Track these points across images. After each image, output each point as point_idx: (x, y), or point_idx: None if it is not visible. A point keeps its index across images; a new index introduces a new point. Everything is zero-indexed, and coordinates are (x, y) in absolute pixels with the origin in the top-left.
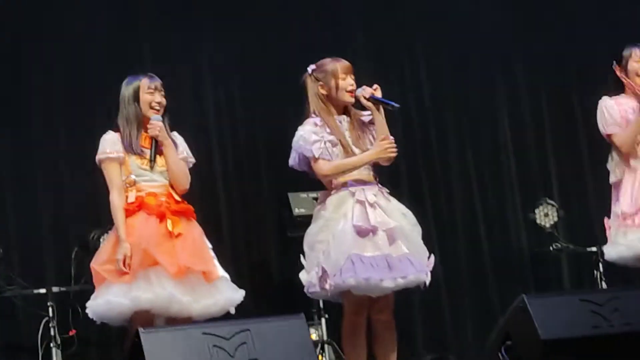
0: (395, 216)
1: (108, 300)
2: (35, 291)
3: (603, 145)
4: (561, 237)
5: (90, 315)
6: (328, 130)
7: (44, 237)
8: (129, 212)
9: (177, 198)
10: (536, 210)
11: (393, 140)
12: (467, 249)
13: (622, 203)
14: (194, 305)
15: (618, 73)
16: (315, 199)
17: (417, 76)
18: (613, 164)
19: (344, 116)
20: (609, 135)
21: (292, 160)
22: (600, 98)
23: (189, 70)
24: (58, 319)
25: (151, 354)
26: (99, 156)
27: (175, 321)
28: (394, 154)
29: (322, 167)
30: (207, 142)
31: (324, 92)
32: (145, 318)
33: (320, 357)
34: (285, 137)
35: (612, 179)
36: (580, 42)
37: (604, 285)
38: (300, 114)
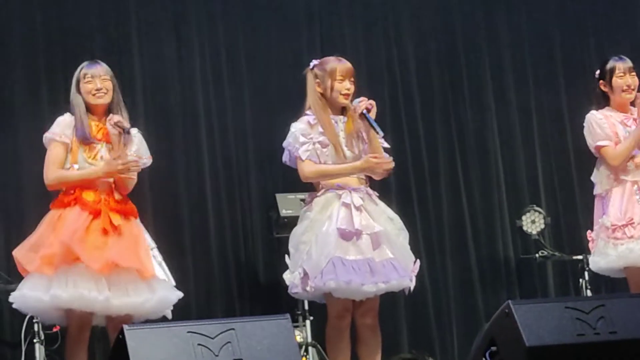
0: (381, 220)
1: (23, 294)
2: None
3: (591, 153)
4: (547, 244)
5: (17, 309)
6: (320, 129)
7: (30, 231)
8: (63, 204)
9: (117, 197)
10: (523, 217)
11: (388, 158)
12: (453, 254)
13: (610, 215)
14: (113, 302)
15: (604, 89)
16: (303, 200)
17: (407, 82)
18: (599, 176)
19: (341, 116)
20: (598, 148)
21: (285, 157)
22: (587, 110)
23: (179, 70)
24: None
25: (135, 351)
26: (46, 134)
27: (114, 320)
28: (388, 169)
29: (304, 169)
30: (196, 142)
31: (320, 90)
32: (79, 316)
33: (304, 359)
34: (274, 138)
35: (597, 190)
36: (571, 50)
37: (590, 294)
38: (289, 115)
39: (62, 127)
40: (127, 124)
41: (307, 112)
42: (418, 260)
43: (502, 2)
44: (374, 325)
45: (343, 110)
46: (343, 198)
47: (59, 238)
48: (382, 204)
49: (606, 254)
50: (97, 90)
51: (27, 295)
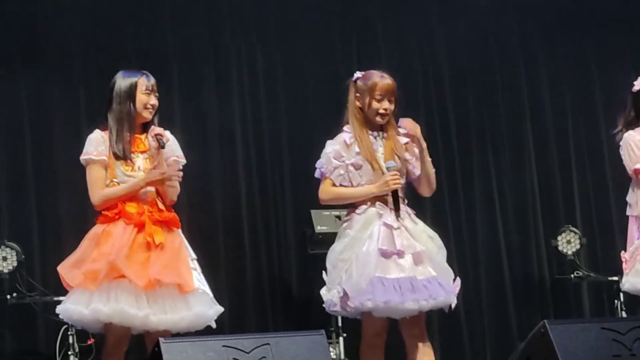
0: (421, 239)
1: (66, 308)
2: (56, 298)
3: (627, 174)
4: (583, 265)
5: (64, 319)
6: (357, 149)
7: (66, 243)
8: (108, 219)
9: (161, 206)
10: (559, 237)
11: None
12: (487, 273)
13: None
14: (152, 318)
15: None
16: (338, 217)
17: (442, 100)
18: (635, 197)
19: (380, 132)
20: (637, 172)
21: (317, 174)
22: (621, 130)
23: (216, 86)
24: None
25: None
26: (83, 157)
27: (152, 334)
28: (396, 187)
29: (322, 190)
30: (232, 157)
31: (359, 104)
32: (118, 329)
33: None
34: (309, 154)
35: (633, 212)
36: (608, 65)
37: (625, 315)
38: (325, 131)
39: (95, 145)
40: (165, 139)
41: (345, 128)
42: (458, 278)
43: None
44: (422, 336)
45: (383, 126)
46: (384, 218)
47: (105, 254)
48: (421, 223)
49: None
50: (151, 105)
51: (70, 309)
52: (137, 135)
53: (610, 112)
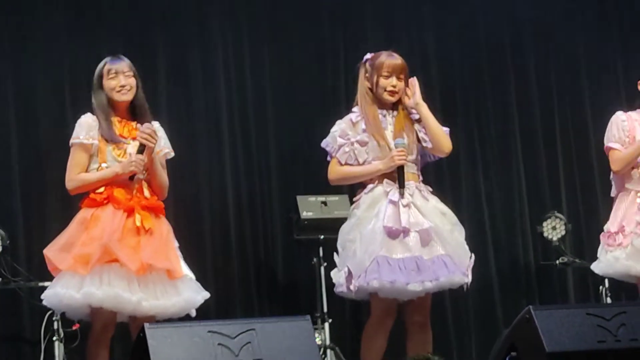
0: (432, 216)
1: (56, 292)
2: (41, 284)
3: None
4: (568, 251)
5: (48, 306)
6: (363, 126)
7: (51, 229)
8: (96, 203)
9: (147, 194)
10: (544, 224)
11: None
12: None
13: (611, 221)
14: (144, 304)
15: None
16: (324, 202)
17: (430, 86)
18: (614, 179)
19: (391, 111)
20: (607, 149)
21: (329, 157)
22: (611, 113)
23: (202, 71)
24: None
25: (156, 350)
26: (72, 140)
27: (138, 319)
28: (401, 162)
29: (331, 170)
30: (218, 143)
31: (368, 84)
32: (104, 315)
33: None
34: (295, 140)
35: (612, 193)
36: (596, 55)
37: (610, 301)
38: (311, 117)
39: (86, 129)
40: (151, 143)
41: (354, 108)
42: (473, 255)
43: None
44: (423, 323)
45: (394, 105)
46: (390, 195)
47: (96, 238)
48: (433, 199)
49: (600, 260)
50: (121, 86)
51: (60, 293)
52: (127, 122)
53: (596, 97)
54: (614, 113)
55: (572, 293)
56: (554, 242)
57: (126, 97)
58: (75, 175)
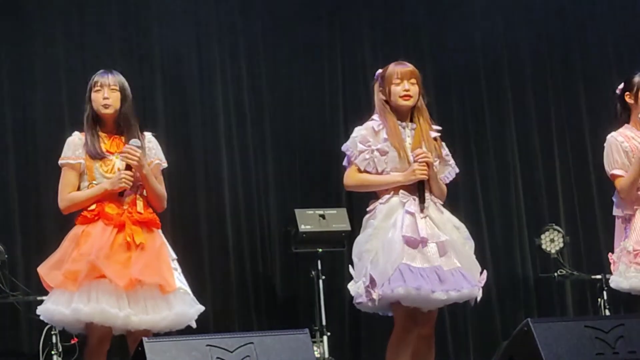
0: (446, 229)
1: (47, 308)
2: (39, 298)
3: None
4: (566, 263)
5: (45, 321)
6: (384, 135)
7: (49, 243)
8: (87, 220)
9: (140, 208)
10: (542, 236)
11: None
12: None
13: (632, 240)
14: (133, 319)
15: (629, 101)
16: (322, 216)
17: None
18: (620, 199)
19: (409, 123)
20: (613, 177)
21: (345, 162)
22: (610, 127)
23: (200, 84)
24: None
25: None
26: (60, 160)
27: (134, 333)
28: (422, 177)
29: (348, 176)
30: (216, 156)
31: (383, 97)
32: (100, 329)
33: None
34: (294, 154)
35: (619, 213)
36: (593, 68)
37: (608, 313)
38: (309, 131)
39: (72, 149)
40: (132, 160)
41: (374, 117)
42: (485, 271)
43: (523, 23)
44: (430, 336)
45: (412, 117)
46: (407, 206)
47: (85, 255)
48: (447, 212)
49: (628, 277)
50: (104, 98)
51: (50, 309)
52: (114, 136)
53: (593, 111)
54: (611, 125)
55: (571, 305)
56: (553, 254)
57: (107, 111)
58: (66, 194)
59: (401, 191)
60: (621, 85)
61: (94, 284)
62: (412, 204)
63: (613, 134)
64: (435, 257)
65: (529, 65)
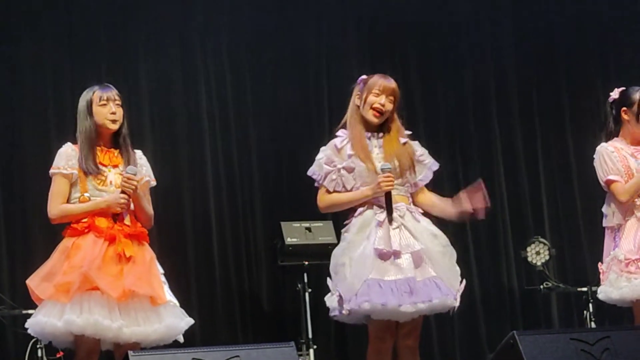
0: (423, 238)
1: (38, 320)
2: (25, 312)
3: (596, 185)
4: (552, 276)
5: (32, 334)
6: (349, 151)
7: (35, 256)
8: (77, 232)
9: (128, 222)
10: (528, 249)
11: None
12: None
13: (624, 249)
14: (125, 330)
15: (625, 117)
16: (308, 228)
17: (412, 110)
18: (610, 209)
19: (376, 133)
20: (608, 183)
21: (316, 183)
22: (594, 140)
23: (185, 95)
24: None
25: None
26: (52, 170)
27: (122, 347)
28: (387, 188)
29: (319, 198)
30: (201, 168)
31: (357, 102)
32: (88, 342)
33: None
34: (279, 166)
35: (608, 223)
36: (577, 79)
37: (594, 326)
38: (295, 142)
39: (65, 159)
40: (130, 189)
41: (338, 132)
42: (464, 280)
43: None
44: (414, 348)
45: (380, 128)
46: (377, 217)
47: (76, 267)
48: (425, 221)
49: (619, 287)
50: (112, 113)
51: (41, 322)
52: (109, 149)
53: (578, 122)
54: (595, 136)
55: (556, 318)
56: (538, 266)
57: (115, 126)
58: (58, 204)
59: (375, 204)
60: (615, 96)
61: (85, 296)
62: (383, 215)
63: (603, 144)
64: (409, 268)
65: (514, 71)
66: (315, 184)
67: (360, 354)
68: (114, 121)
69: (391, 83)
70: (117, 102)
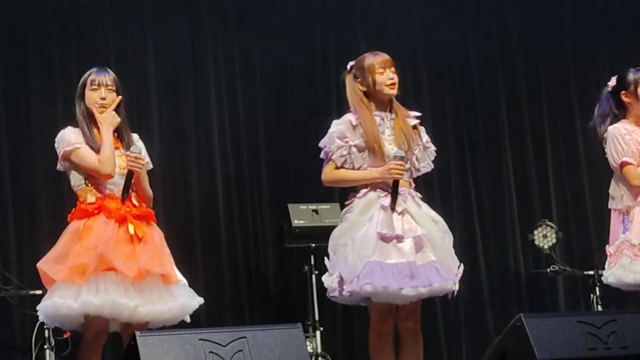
0: (424, 223)
1: (53, 303)
2: (32, 292)
3: (603, 169)
4: (559, 259)
5: (41, 319)
6: (361, 130)
7: (42, 237)
8: (88, 214)
9: (136, 202)
10: (535, 232)
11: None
12: (464, 268)
13: (634, 232)
14: (140, 310)
15: (625, 99)
16: (315, 210)
17: (420, 96)
18: (619, 191)
19: (388, 113)
20: (623, 165)
21: (322, 155)
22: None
23: (193, 81)
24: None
25: (147, 357)
26: (66, 147)
27: (131, 327)
28: (397, 176)
29: (325, 172)
30: (209, 152)
31: (363, 88)
32: (98, 323)
33: None
34: (286, 149)
35: (617, 205)
36: (584, 64)
37: (600, 309)
38: (302, 126)
39: (74, 137)
40: (137, 168)
41: (350, 111)
42: (462, 265)
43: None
44: (415, 330)
45: (390, 106)
46: (381, 201)
47: (90, 248)
48: (425, 206)
49: (633, 270)
50: (101, 99)
51: (57, 303)
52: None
53: (585, 107)
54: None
55: (563, 301)
56: (545, 250)
57: (100, 112)
58: (96, 160)
59: (379, 186)
60: (612, 83)
61: (100, 276)
62: (387, 199)
63: (615, 125)
64: (411, 252)
65: (521, 61)
66: (322, 156)
67: (367, 336)
68: (102, 106)
69: (385, 56)
70: (110, 87)
